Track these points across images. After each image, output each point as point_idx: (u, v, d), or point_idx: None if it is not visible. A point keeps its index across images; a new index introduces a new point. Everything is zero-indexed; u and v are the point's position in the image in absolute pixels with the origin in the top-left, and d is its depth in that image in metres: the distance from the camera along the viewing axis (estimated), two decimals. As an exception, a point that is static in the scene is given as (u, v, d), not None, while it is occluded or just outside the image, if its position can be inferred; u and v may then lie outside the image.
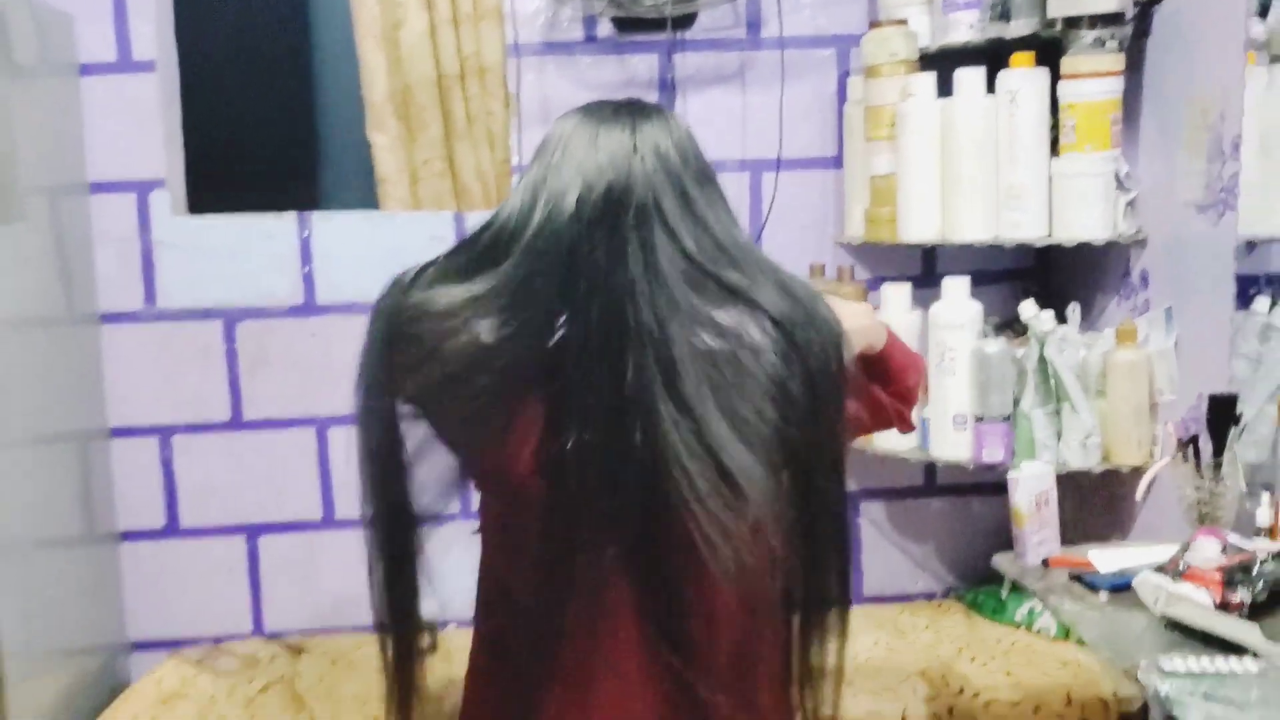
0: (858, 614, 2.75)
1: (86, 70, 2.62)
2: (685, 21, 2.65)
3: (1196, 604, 1.59)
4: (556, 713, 1.40)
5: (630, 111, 1.38)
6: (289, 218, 2.69)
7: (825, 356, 1.28)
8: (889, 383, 1.52)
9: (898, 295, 2.45)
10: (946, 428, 2.38)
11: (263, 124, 3.28)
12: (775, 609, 1.39)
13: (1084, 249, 2.38)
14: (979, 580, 2.80)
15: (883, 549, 2.86)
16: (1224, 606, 1.59)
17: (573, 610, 1.36)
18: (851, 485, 2.82)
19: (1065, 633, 2.52)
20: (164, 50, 2.68)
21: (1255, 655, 1.49)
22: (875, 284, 2.62)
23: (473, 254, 1.36)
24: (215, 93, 3.08)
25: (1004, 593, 2.66)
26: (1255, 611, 1.61)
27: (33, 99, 2.41)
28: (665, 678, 1.37)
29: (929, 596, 2.88)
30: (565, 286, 1.29)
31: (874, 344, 1.50)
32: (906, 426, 1.58)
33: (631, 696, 1.38)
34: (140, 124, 2.64)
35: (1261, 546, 1.70)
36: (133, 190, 2.66)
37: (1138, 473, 2.20)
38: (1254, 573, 1.64)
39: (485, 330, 1.30)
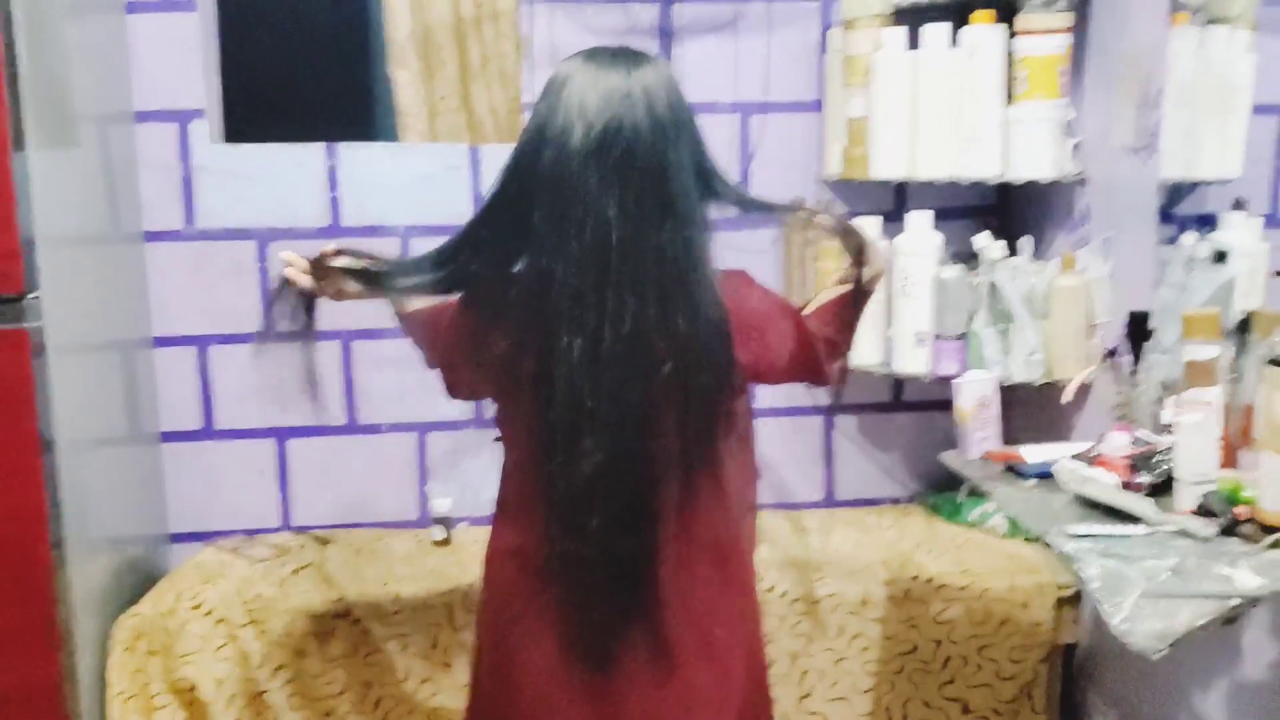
0: (829, 515, 3.05)
1: (133, 8, 2.80)
2: (683, -27, 2.88)
3: (1103, 483, 1.87)
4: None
5: (626, 58, 1.64)
6: (317, 147, 2.90)
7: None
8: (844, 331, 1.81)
9: (868, 227, 2.71)
10: (908, 344, 2.66)
11: (298, 60, 3.48)
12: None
13: (1034, 187, 2.65)
14: (940, 487, 3.08)
15: (853, 458, 3.13)
16: (1127, 487, 1.88)
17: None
18: (825, 400, 3.10)
19: (1014, 530, 2.81)
20: (205, -10, 2.88)
21: (1147, 524, 1.78)
22: (851, 217, 2.86)
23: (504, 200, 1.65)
24: (254, 30, 3.29)
25: (960, 496, 2.95)
26: (1154, 491, 1.89)
27: (85, 34, 2.58)
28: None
29: (895, 501, 3.15)
30: (562, 208, 1.57)
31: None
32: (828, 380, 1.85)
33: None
34: (182, 59, 2.82)
35: (1164, 440, 1.98)
36: (174, 120, 2.85)
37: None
38: (1154, 460, 1.93)
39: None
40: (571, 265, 1.55)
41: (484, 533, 2.66)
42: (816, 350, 1.77)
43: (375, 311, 2.94)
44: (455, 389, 1.85)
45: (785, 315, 1.75)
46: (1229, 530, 1.72)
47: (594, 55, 1.64)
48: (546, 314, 1.57)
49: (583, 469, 1.58)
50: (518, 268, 1.62)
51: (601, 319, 1.55)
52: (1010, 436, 2.58)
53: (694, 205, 1.61)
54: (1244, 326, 2.04)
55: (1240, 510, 1.75)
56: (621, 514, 1.61)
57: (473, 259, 1.67)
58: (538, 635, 1.69)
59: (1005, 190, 2.91)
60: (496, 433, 1.79)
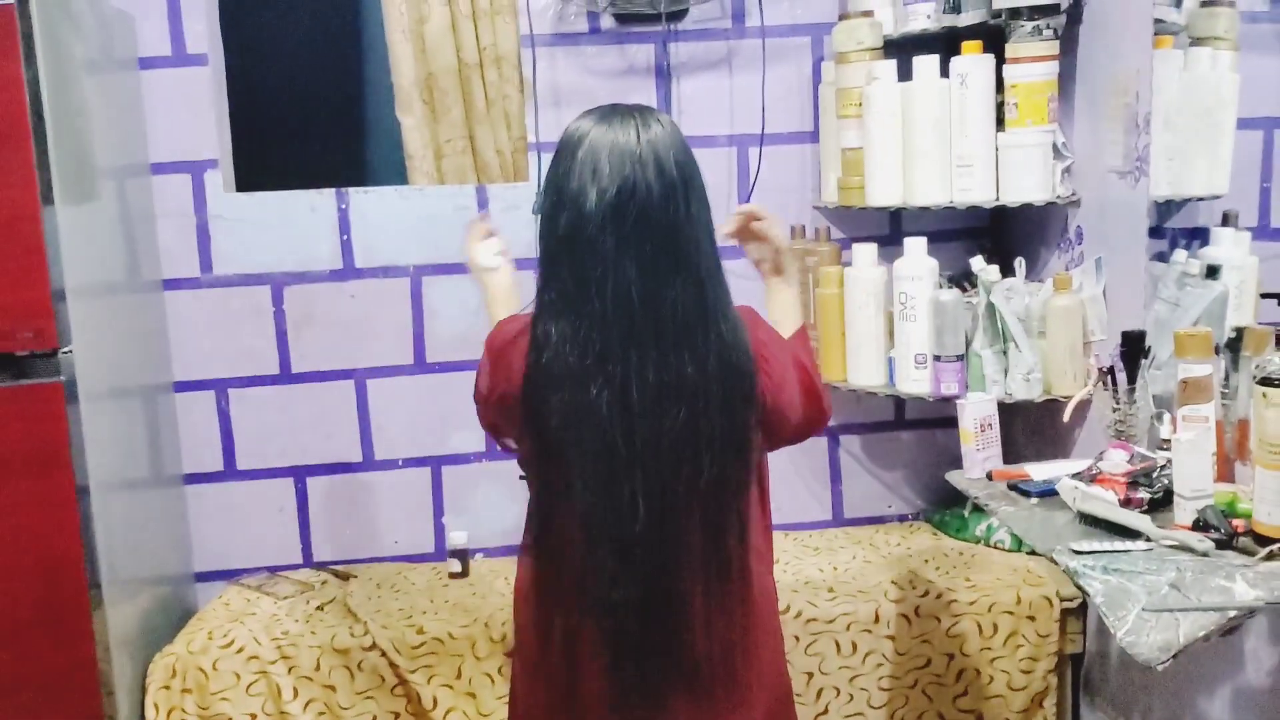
0: (837, 534, 3.13)
1: (145, 64, 2.90)
2: (678, 15, 2.96)
3: (1104, 501, 1.94)
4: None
5: (636, 117, 1.70)
6: (328, 193, 2.99)
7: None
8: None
9: (865, 253, 2.79)
10: (909, 366, 2.73)
11: (309, 109, 3.58)
12: None
13: (1027, 210, 2.73)
14: (945, 503, 3.16)
15: (859, 476, 3.21)
16: (1127, 503, 1.95)
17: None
18: (831, 421, 3.16)
19: (1019, 544, 2.89)
20: (214, 45, 2.96)
21: (1147, 539, 1.85)
22: (847, 244, 2.93)
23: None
24: (264, 82, 3.38)
25: (966, 512, 3.03)
26: (1153, 506, 1.96)
27: (101, 91, 2.67)
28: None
29: (901, 518, 3.23)
30: (584, 270, 1.65)
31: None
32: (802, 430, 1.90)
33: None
34: (194, 111, 2.92)
35: (1163, 456, 2.06)
36: (189, 171, 2.94)
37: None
38: (1153, 476, 2.00)
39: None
40: (596, 323, 1.63)
41: (500, 564, 2.72)
42: (817, 382, 1.86)
43: (390, 350, 3.04)
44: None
45: (786, 351, 1.83)
46: (1226, 543, 1.79)
47: (605, 116, 1.71)
48: (574, 371, 1.64)
49: (623, 517, 1.65)
50: (550, 326, 1.69)
51: (628, 372, 1.63)
52: (1013, 453, 2.66)
53: (703, 257, 1.68)
54: (1233, 344, 2.12)
55: (1237, 523, 1.82)
56: (660, 559, 1.67)
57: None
58: (571, 673, 1.76)
59: (999, 213, 2.98)
60: (519, 471, 1.86)
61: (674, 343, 1.64)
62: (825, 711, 2.66)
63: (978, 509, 2.98)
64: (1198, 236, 2.53)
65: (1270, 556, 1.73)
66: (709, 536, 1.70)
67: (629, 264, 1.62)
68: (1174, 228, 2.55)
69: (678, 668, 1.72)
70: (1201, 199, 2.54)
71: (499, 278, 2.04)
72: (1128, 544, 1.84)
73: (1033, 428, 2.83)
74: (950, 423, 3.06)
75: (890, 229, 3.06)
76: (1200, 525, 1.83)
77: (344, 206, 2.99)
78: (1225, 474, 2.03)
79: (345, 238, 3.00)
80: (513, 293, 2.02)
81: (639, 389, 1.63)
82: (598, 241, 1.63)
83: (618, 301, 1.63)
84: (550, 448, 1.71)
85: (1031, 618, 2.64)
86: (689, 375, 1.64)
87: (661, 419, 1.64)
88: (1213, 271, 2.41)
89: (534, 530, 1.81)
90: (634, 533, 1.66)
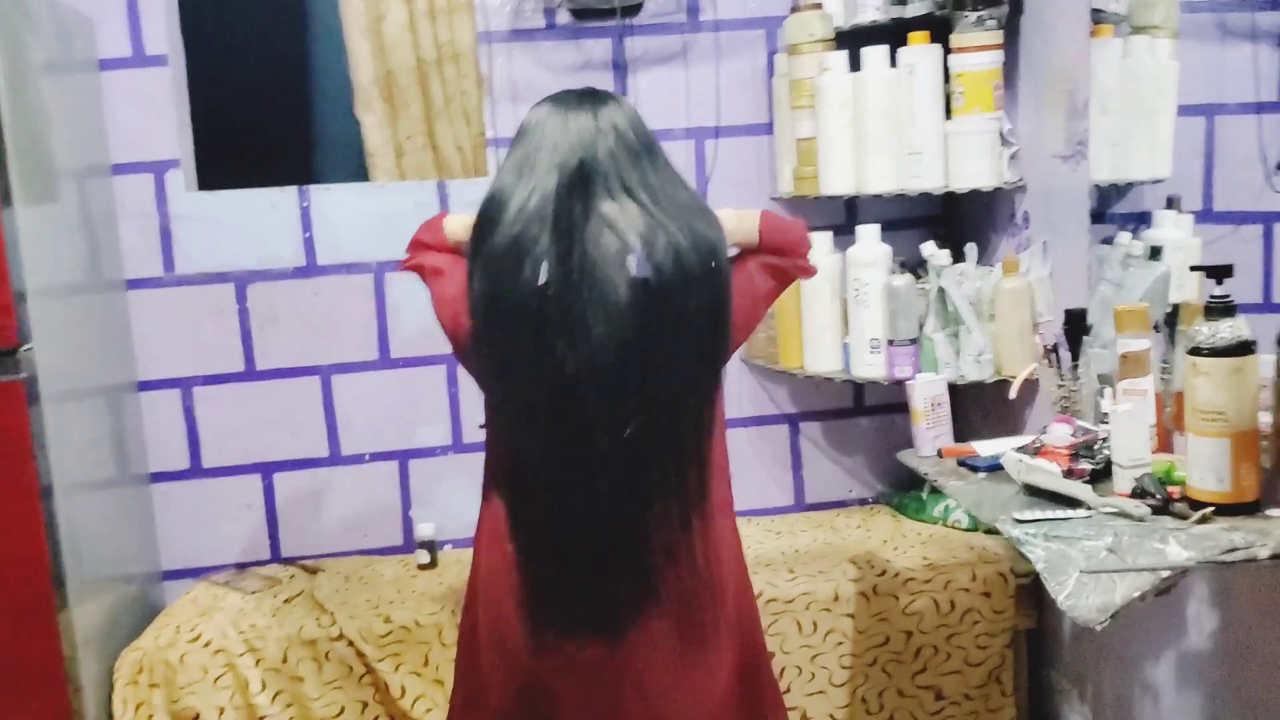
0: (799, 518, 3.18)
1: (105, 65, 2.91)
2: (633, 9, 3.00)
3: (1047, 472, 2.00)
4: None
5: (591, 98, 1.77)
6: (290, 191, 3.01)
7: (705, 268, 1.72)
8: (781, 252, 1.94)
9: (820, 241, 2.83)
10: (864, 351, 2.79)
11: (265, 107, 3.60)
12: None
13: (977, 196, 2.79)
14: (904, 486, 3.21)
15: (820, 462, 3.26)
16: (1070, 474, 2.00)
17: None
18: (790, 408, 3.22)
19: (974, 524, 2.94)
20: (173, 46, 2.98)
21: (1087, 508, 1.91)
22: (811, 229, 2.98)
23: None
24: (223, 81, 3.40)
25: (924, 494, 3.08)
26: (1095, 477, 2.02)
27: (61, 92, 2.68)
28: None
29: (862, 502, 3.29)
30: (552, 242, 1.68)
31: (749, 238, 1.93)
32: (807, 272, 2.00)
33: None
34: (155, 112, 2.93)
35: (1105, 429, 2.11)
36: (150, 171, 2.96)
37: (1024, 382, 2.60)
38: (1095, 448, 2.05)
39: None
40: (569, 286, 1.66)
41: (469, 555, 2.76)
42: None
43: (354, 346, 3.07)
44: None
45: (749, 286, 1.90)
46: (1162, 509, 1.84)
47: (560, 100, 1.78)
48: (542, 324, 1.67)
49: (586, 439, 1.68)
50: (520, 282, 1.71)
51: (587, 331, 1.65)
52: (969, 432, 2.71)
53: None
54: (1170, 319, 2.17)
55: (1173, 490, 1.88)
56: (623, 483, 1.70)
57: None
58: (530, 603, 1.78)
59: (950, 200, 3.04)
60: (481, 420, 1.88)
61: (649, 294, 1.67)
62: (788, 690, 2.70)
63: (935, 491, 3.04)
64: (1143, 220, 2.59)
65: (1203, 520, 1.78)
66: (672, 461, 1.73)
67: (598, 228, 1.68)
68: (1120, 212, 2.61)
69: (640, 597, 1.74)
70: (1144, 183, 2.60)
71: None
72: (1069, 512, 1.89)
73: (986, 408, 2.89)
74: (908, 407, 3.13)
75: (845, 218, 3.10)
76: (1138, 493, 1.89)
77: (305, 204, 3.02)
78: (1166, 445, 2.09)
79: (307, 235, 3.03)
80: None
81: (601, 344, 1.66)
82: (565, 211, 1.68)
83: (593, 265, 1.67)
84: (511, 369, 1.73)
85: (987, 594, 2.70)
86: (669, 322, 1.68)
87: (624, 366, 1.66)
88: (1155, 252, 2.46)
89: (494, 464, 1.84)
90: (597, 454, 1.69)
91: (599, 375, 1.66)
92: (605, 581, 1.74)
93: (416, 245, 2.00)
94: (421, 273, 1.98)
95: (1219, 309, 1.79)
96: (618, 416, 1.68)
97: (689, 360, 1.72)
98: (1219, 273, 1.80)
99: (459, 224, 1.94)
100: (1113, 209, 2.61)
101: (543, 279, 1.67)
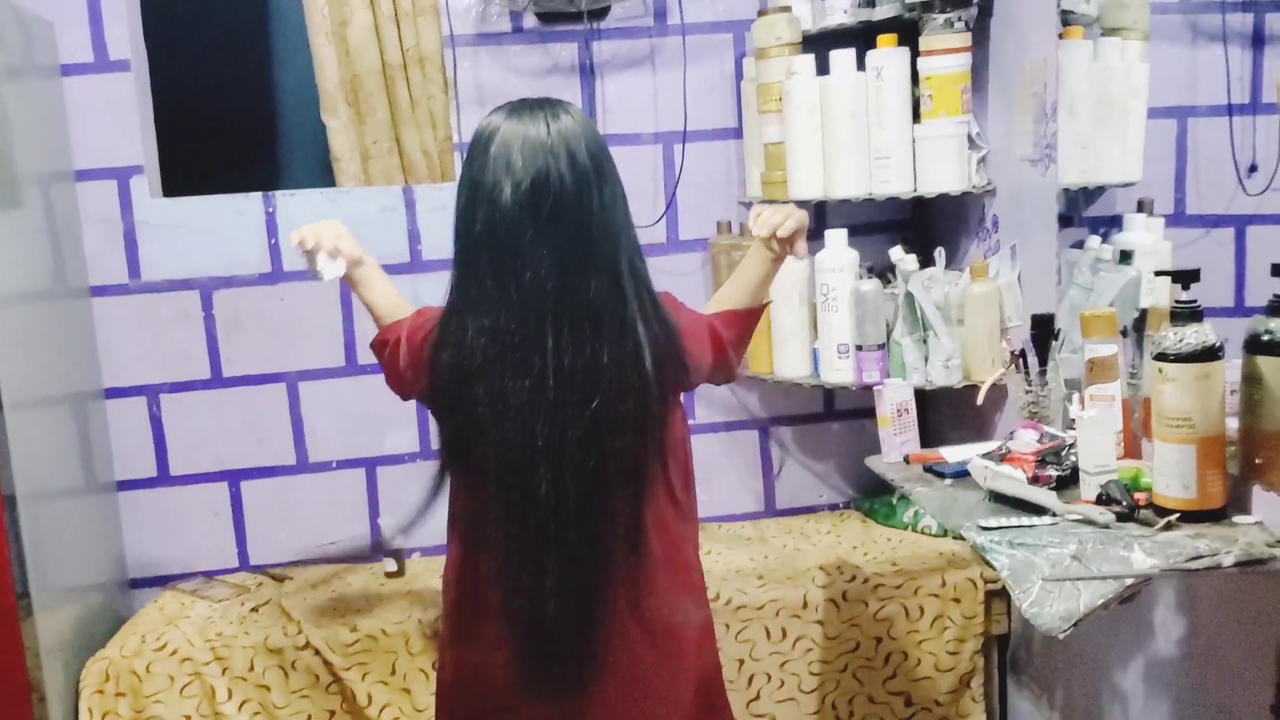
0: (769, 524, 3.17)
1: (68, 70, 2.87)
2: (600, 13, 2.98)
3: (1012, 479, 1.99)
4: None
5: (546, 109, 1.75)
6: (255, 197, 2.98)
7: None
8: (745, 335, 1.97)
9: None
10: (832, 356, 2.78)
11: (230, 112, 3.57)
12: None
13: (946, 200, 2.78)
14: (874, 492, 3.19)
15: (790, 467, 3.25)
16: (1035, 481, 2.00)
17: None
18: (761, 413, 3.21)
19: (944, 530, 2.94)
20: (136, 51, 2.94)
21: (1053, 515, 1.90)
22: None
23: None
24: (187, 86, 3.37)
25: (894, 499, 3.07)
26: (1061, 483, 2.01)
27: (22, 98, 2.64)
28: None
29: (832, 507, 3.27)
30: (502, 263, 1.69)
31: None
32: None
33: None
34: (118, 117, 2.90)
35: (1072, 435, 2.10)
36: (114, 177, 2.92)
37: (993, 388, 2.60)
38: (1062, 455, 2.05)
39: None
40: (515, 315, 1.67)
41: (436, 563, 2.74)
42: (729, 357, 1.93)
43: (321, 353, 3.04)
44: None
45: (704, 329, 1.88)
46: (1128, 516, 1.83)
47: (515, 110, 1.76)
48: (494, 363, 1.68)
49: (541, 505, 1.69)
50: (467, 321, 1.72)
51: (545, 362, 1.67)
52: (937, 438, 2.71)
53: (620, 244, 1.73)
54: (1138, 324, 2.16)
55: (1139, 496, 1.87)
56: (579, 539, 1.71)
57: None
58: (495, 648, 1.79)
59: (919, 204, 3.03)
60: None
61: (591, 332, 1.68)
62: (757, 697, 2.69)
63: (906, 496, 3.02)
64: (1115, 224, 2.58)
65: (1168, 527, 1.78)
66: (626, 518, 1.74)
67: (545, 255, 1.67)
68: (1091, 216, 2.60)
69: (592, 657, 1.76)
70: (1114, 186, 2.59)
71: (370, 260, 2.05)
72: (1034, 519, 1.89)
73: (954, 413, 2.89)
74: (877, 412, 3.12)
75: (814, 222, 3.08)
76: (1103, 499, 1.88)
77: (271, 210, 3.00)
78: (1134, 451, 2.08)
79: (273, 241, 3.00)
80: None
81: (556, 378, 1.67)
82: (515, 234, 1.67)
83: (535, 292, 1.67)
84: (468, 440, 1.74)
85: (957, 600, 2.69)
86: (604, 364, 1.68)
87: (580, 406, 1.67)
88: (1125, 256, 2.45)
89: (455, 518, 1.84)
90: (553, 519, 1.70)
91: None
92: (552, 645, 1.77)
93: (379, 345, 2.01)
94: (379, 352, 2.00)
95: (1185, 314, 1.79)
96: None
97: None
98: (1185, 278, 1.79)
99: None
100: (1083, 213, 2.60)
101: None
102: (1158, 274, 2.00)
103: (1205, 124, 2.44)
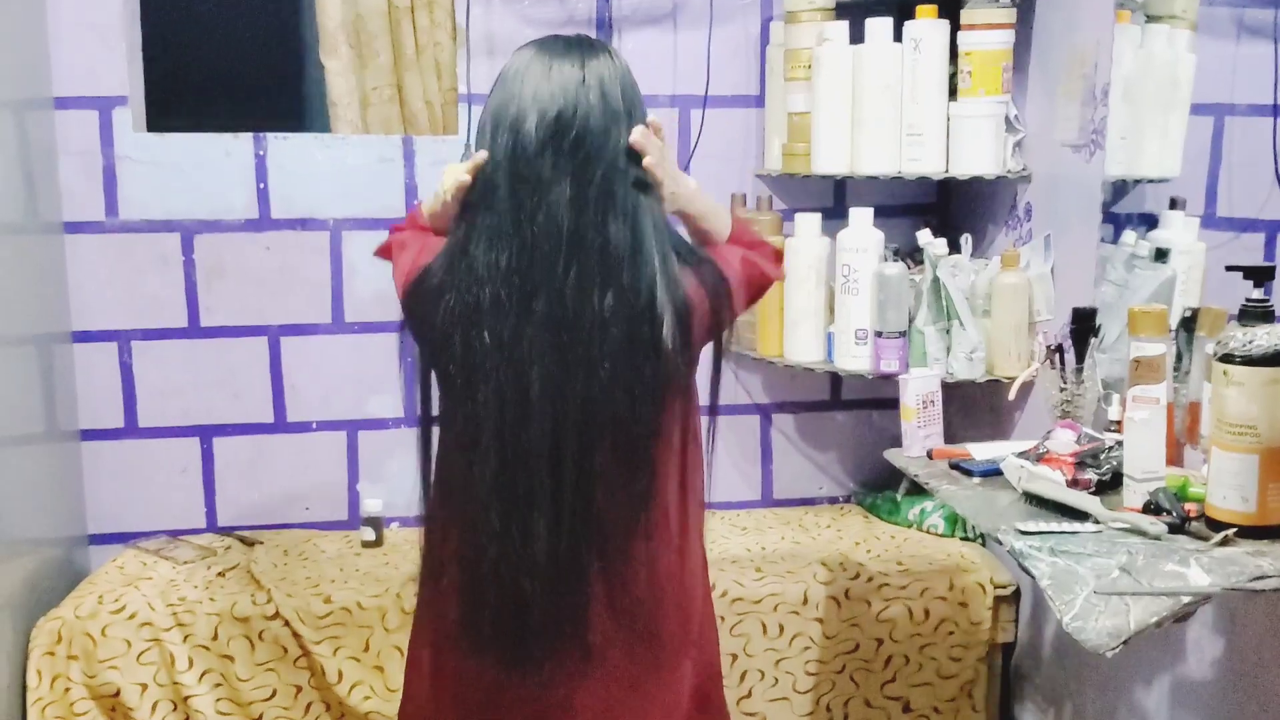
0: (766, 514, 3.04)
1: (50, -14, 2.71)
2: (622, -35, 2.84)
3: (1051, 480, 1.86)
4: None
5: (580, 47, 1.64)
6: (245, 137, 2.83)
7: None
8: (752, 247, 1.80)
9: (808, 223, 2.69)
10: (849, 342, 2.64)
11: (224, 46, 3.41)
12: None
13: (976, 184, 2.65)
14: (877, 486, 3.07)
15: (791, 456, 3.11)
16: (1074, 484, 1.87)
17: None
18: (763, 398, 3.07)
19: (952, 529, 2.81)
20: (126, -31, 2.78)
21: (1096, 521, 1.77)
22: (790, 214, 2.82)
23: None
24: (180, 14, 3.20)
25: (898, 496, 2.94)
26: (1101, 488, 1.88)
27: (0, 17, 2.50)
28: None
29: (832, 500, 3.14)
30: (518, 195, 1.57)
31: (719, 223, 1.79)
32: (775, 275, 1.86)
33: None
34: (103, 43, 2.74)
35: (1110, 437, 1.98)
36: (96, 107, 2.77)
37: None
38: (1101, 458, 1.92)
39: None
40: (525, 255, 1.56)
41: (415, 534, 2.60)
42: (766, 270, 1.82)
43: (307, 306, 2.90)
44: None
45: (737, 259, 1.76)
46: (1179, 528, 1.70)
47: (547, 45, 1.65)
48: (500, 305, 1.56)
49: (534, 446, 1.57)
50: (478, 253, 1.60)
51: (551, 306, 1.56)
52: (951, 434, 2.56)
53: (641, 194, 1.61)
54: (1187, 324, 2.04)
55: (1189, 508, 1.75)
56: (574, 507, 1.59)
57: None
58: (479, 628, 1.66)
59: (947, 189, 2.90)
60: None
61: (601, 279, 1.56)
62: (749, 695, 2.57)
63: (910, 493, 2.91)
64: (1145, 221, 2.48)
65: (1225, 542, 1.65)
66: (629, 478, 1.61)
67: (564, 190, 1.56)
68: (1121, 212, 2.49)
69: (584, 635, 1.63)
70: (1153, 180, 2.48)
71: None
72: (1076, 525, 1.75)
73: (969, 409, 2.75)
74: (887, 403, 3.00)
75: (834, 200, 2.96)
76: (1151, 508, 1.75)
77: (261, 153, 2.84)
78: (1174, 458, 1.95)
79: (262, 186, 2.85)
80: None
81: (564, 325, 1.55)
82: (535, 166, 1.57)
83: (548, 228, 1.56)
84: (463, 387, 1.62)
85: (964, 604, 2.57)
86: (617, 311, 1.56)
87: (584, 360, 1.56)
88: (1162, 254, 2.35)
89: (442, 481, 1.72)
90: (549, 477, 1.58)
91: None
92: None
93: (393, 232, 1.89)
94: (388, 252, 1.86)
95: (1256, 313, 1.66)
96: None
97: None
98: (1259, 274, 1.66)
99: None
100: (1115, 209, 2.49)
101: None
102: (1229, 269, 1.86)
103: (1243, 124, 2.33)
